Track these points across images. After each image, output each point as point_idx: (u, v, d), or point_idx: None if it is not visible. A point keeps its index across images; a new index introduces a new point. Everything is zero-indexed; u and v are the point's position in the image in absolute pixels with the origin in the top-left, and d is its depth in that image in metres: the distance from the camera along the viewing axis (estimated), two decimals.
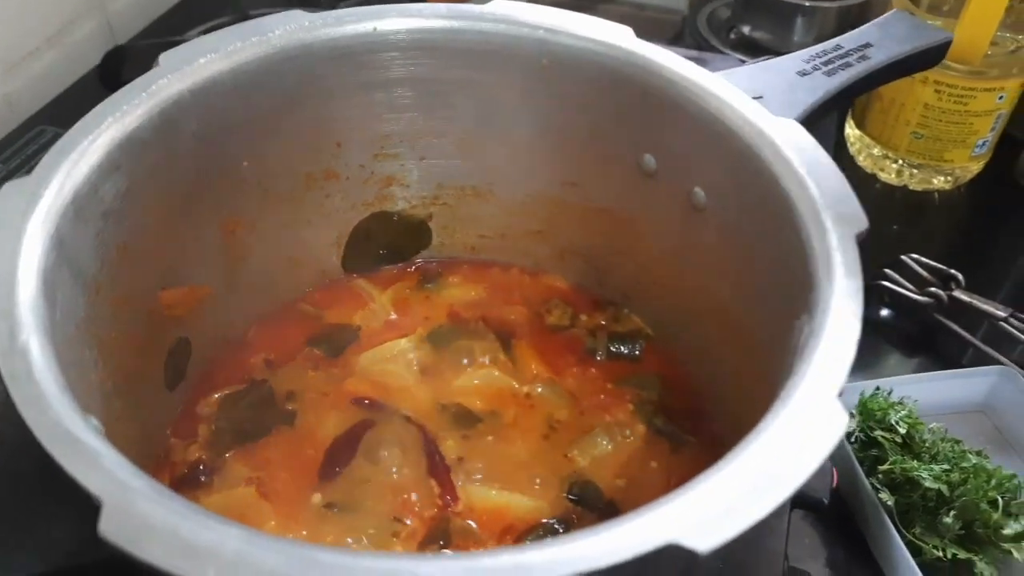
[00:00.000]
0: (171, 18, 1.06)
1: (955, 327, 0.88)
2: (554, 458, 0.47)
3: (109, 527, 0.25)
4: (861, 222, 0.35)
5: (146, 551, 0.24)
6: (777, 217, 0.38)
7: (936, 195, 1.00)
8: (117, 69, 0.86)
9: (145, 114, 0.39)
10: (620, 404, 0.50)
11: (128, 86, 0.40)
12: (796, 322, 0.34)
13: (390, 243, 0.55)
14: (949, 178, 1.00)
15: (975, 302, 0.88)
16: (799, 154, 0.38)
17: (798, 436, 0.28)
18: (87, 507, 0.27)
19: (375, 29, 0.45)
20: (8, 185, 0.35)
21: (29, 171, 0.83)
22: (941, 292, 0.88)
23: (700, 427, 0.48)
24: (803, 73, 0.47)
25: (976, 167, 1.00)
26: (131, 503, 0.25)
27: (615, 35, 0.45)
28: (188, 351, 0.47)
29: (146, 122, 0.40)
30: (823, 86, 0.46)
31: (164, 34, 1.01)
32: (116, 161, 0.38)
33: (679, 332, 0.51)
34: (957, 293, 0.88)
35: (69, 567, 0.27)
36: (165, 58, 0.41)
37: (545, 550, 0.25)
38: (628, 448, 0.47)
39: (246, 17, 0.98)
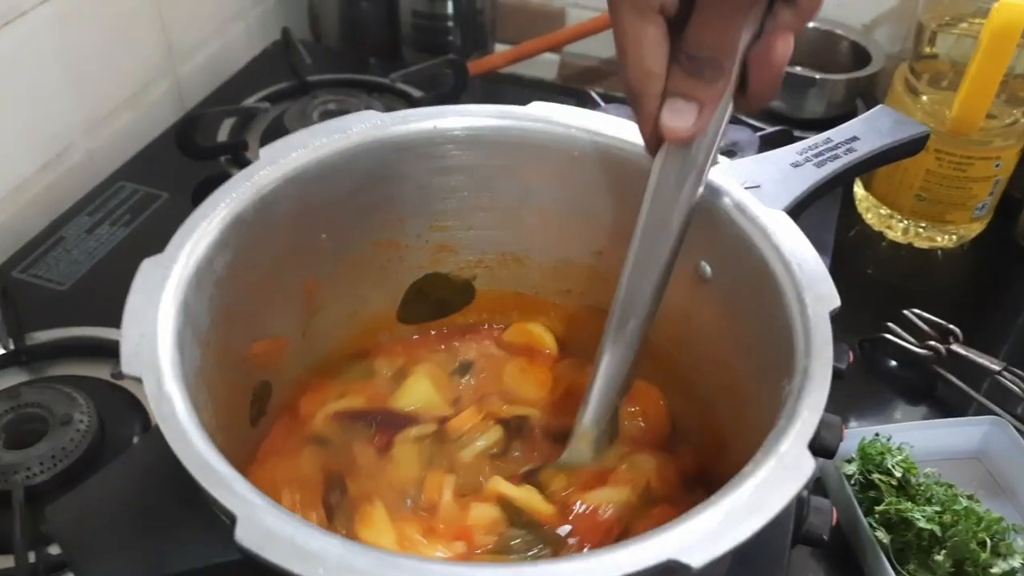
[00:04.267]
0: (234, 83, 1.15)
1: (953, 379, 0.95)
2: None
3: (243, 536, 0.33)
4: (834, 300, 0.43)
5: (271, 555, 0.32)
6: (768, 293, 0.46)
7: (940, 253, 1.07)
8: (190, 133, 0.96)
9: (249, 199, 0.48)
10: None
11: (237, 176, 0.49)
12: (783, 383, 0.41)
13: (439, 299, 0.64)
14: (953, 237, 1.06)
15: (971, 355, 0.94)
16: (786, 241, 0.46)
17: (776, 476, 0.36)
18: (220, 521, 0.35)
19: (435, 127, 0.54)
20: (147, 261, 0.43)
21: (112, 223, 0.93)
22: (940, 345, 0.95)
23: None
24: (796, 164, 0.54)
25: (978, 227, 1.06)
26: (259, 518, 0.33)
27: (637, 135, 0.53)
28: (269, 392, 0.56)
29: (249, 205, 0.48)
30: (812, 176, 0.54)
31: (228, 98, 1.11)
32: (226, 239, 0.47)
33: (684, 386, 0.58)
34: (955, 347, 0.95)
35: (202, 567, 0.35)
36: (265, 152, 0.50)
37: (560, 565, 0.33)
38: None
39: (304, 84, 1.09)
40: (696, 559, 0.33)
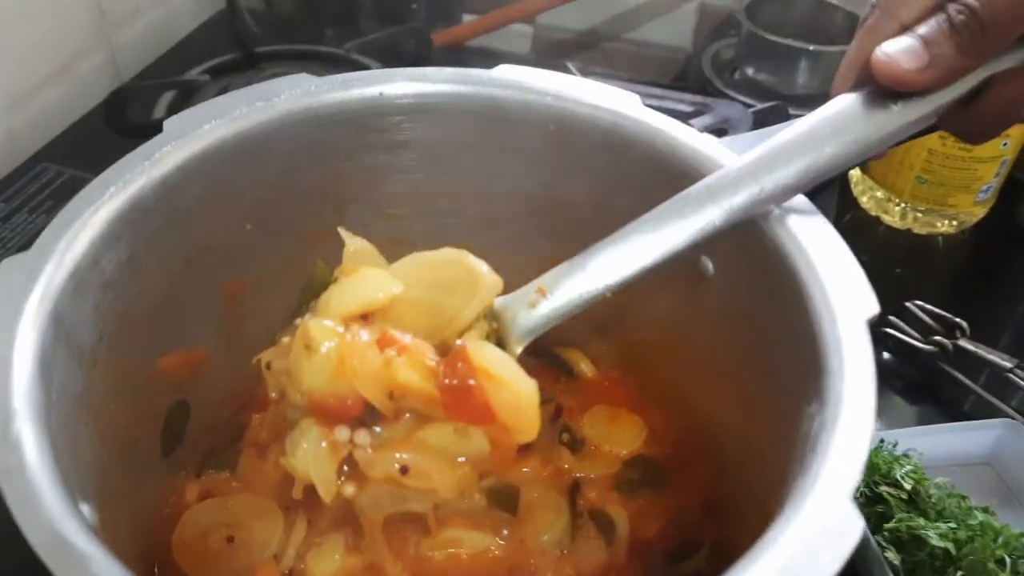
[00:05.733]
0: (175, 55, 1.06)
1: (961, 377, 0.88)
2: None
3: None
4: (872, 307, 0.35)
5: None
6: (785, 295, 0.37)
7: (940, 239, 1.00)
8: (122, 109, 0.86)
9: (148, 182, 0.39)
10: None
11: (131, 154, 0.39)
12: (807, 408, 0.33)
13: None
14: (953, 222, 1.00)
15: (980, 352, 0.87)
16: (807, 231, 0.38)
17: (814, 542, 0.27)
18: None
19: (381, 94, 0.45)
20: (7, 261, 0.34)
21: (31, 211, 0.83)
22: (946, 341, 0.88)
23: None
24: None
25: (980, 212, 1.00)
26: None
27: (622, 103, 0.45)
28: (186, 415, 0.47)
29: (149, 191, 0.39)
30: None
31: (168, 71, 1.01)
32: (117, 232, 0.38)
33: (682, 405, 0.50)
34: (962, 342, 0.88)
35: None
36: (170, 124, 0.41)
37: None
38: None
39: (251, 55, 0.99)
40: None
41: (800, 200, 0.39)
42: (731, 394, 0.46)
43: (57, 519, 0.27)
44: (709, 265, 0.43)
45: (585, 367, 0.55)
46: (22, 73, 0.92)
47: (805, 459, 0.31)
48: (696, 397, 0.50)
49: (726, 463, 0.47)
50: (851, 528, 0.27)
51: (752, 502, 0.42)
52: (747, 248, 0.40)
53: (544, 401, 0.53)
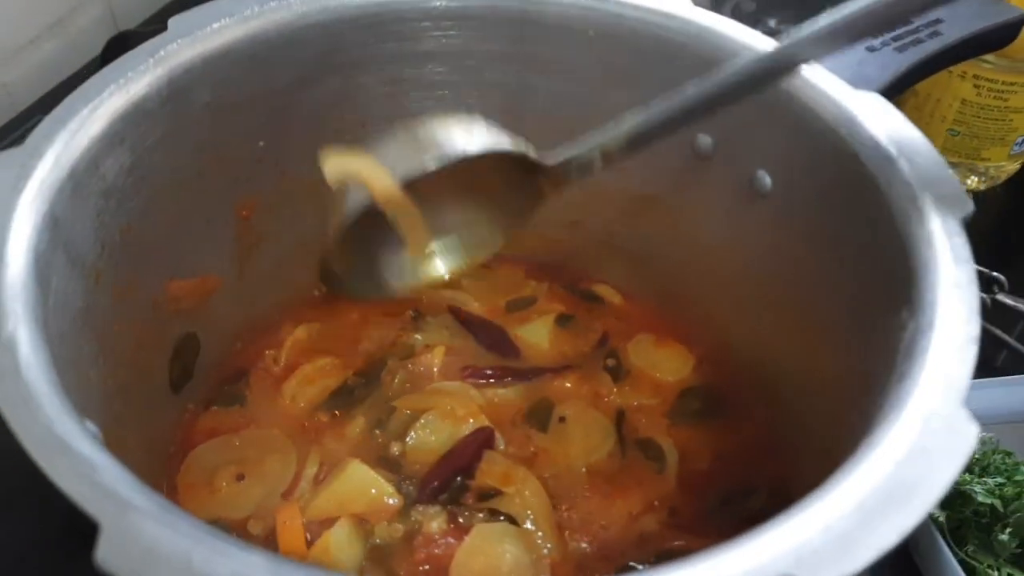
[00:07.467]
0: (177, 7, 1.02)
1: (999, 332, 0.84)
2: None
3: (108, 555, 0.20)
4: (965, 204, 0.31)
5: None
6: (862, 201, 0.34)
7: (971, 196, 0.96)
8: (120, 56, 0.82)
9: (153, 82, 0.35)
10: None
11: (134, 51, 0.36)
12: (894, 319, 0.30)
13: None
14: (983, 178, 0.96)
15: (1020, 306, 0.84)
16: (886, 130, 0.34)
17: (924, 448, 0.24)
18: (84, 529, 0.22)
19: None
20: None
21: None
22: (984, 296, 0.85)
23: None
24: (872, 49, 0.43)
25: (1013, 167, 0.96)
26: (134, 526, 0.21)
27: (669, 3, 0.41)
28: (196, 348, 0.43)
29: (153, 91, 0.35)
30: (894, 63, 0.42)
31: None
32: (120, 133, 0.34)
33: (731, 337, 0.47)
34: (1000, 296, 0.85)
35: None
36: (175, 22, 0.37)
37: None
38: None
39: None
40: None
41: (875, 100, 0.35)
42: (788, 325, 0.42)
43: (57, 424, 0.23)
44: (767, 180, 0.40)
45: (619, 303, 0.52)
46: (17, 28, 0.88)
47: (898, 370, 0.27)
48: (746, 330, 0.46)
49: (784, 400, 0.44)
50: (965, 430, 0.24)
51: (814, 442, 0.39)
52: (813, 154, 0.37)
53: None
